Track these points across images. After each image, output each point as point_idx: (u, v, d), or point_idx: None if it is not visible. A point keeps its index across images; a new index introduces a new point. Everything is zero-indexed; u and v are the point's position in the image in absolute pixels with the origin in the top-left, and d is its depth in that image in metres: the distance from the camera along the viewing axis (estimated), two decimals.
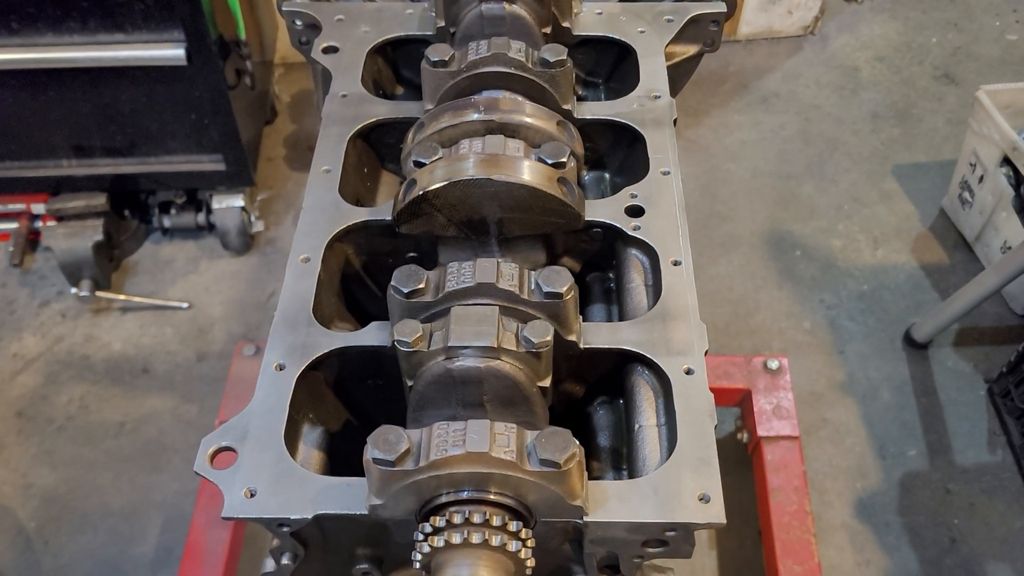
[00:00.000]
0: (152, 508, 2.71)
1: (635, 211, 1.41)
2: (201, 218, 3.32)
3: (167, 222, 3.34)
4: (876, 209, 3.48)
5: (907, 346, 3.05)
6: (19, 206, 3.26)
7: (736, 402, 2.64)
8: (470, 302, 1.18)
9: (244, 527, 2.48)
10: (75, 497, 2.75)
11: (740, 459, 2.63)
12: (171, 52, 2.76)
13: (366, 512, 1.08)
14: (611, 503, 1.10)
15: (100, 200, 3.15)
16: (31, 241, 3.34)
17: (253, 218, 3.35)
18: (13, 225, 3.27)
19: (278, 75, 3.95)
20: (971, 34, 4.17)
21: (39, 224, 3.25)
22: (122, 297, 3.21)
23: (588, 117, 1.57)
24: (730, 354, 2.80)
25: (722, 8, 1.74)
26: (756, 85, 3.96)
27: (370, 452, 1.03)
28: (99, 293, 3.15)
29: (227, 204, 3.25)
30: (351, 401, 1.36)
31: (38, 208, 3.23)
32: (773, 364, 2.60)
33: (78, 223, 3.14)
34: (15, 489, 2.77)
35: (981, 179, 3.13)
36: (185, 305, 3.20)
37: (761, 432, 2.50)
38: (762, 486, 2.45)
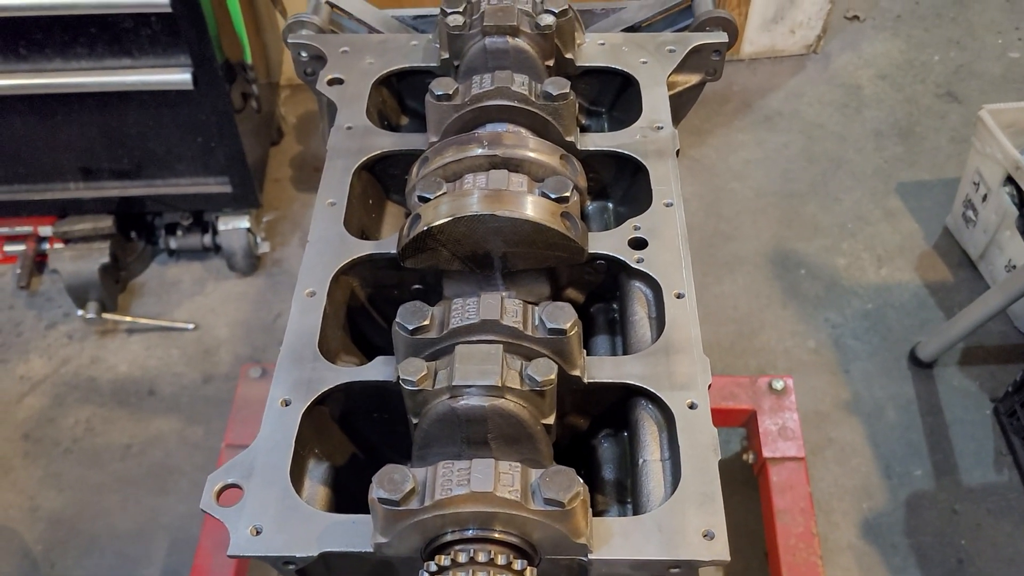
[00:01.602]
0: (159, 530, 2.72)
1: (638, 243, 1.42)
2: (207, 239, 3.34)
3: (173, 244, 3.36)
4: (880, 227, 3.48)
5: (912, 365, 3.05)
6: (26, 229, 3.28)
7: (742, 423, 2.64)
8: (474, 339, 1.19)
9: None
10: (82, 520, 2.76)
11: (746, 480, 2.63)
12: (178, 76, 2.78)
13: (371, 550, 1.09)
14: (615, 540, 1.10)
15: (107, 222, 3.17)
16: (38, 263, 3.36)
17: (259, 239, 3.37)
18: (20, 247, 3.30)
19: (284, 96, 3.98)
20: (973, 52, 4.18)
21: (46, 246, 3.27)
22: (128, 319, 3.22)
23: (591, 148, 1.58)
24: (735, 374, 2.80)
25: (724, 38, 1.75)
26: (759, 104, 3.98)
27: (375, 491, 1.04)
28: (105, 315, 3.17)
29: (233, 225, 3.27)
30: (357, 435, 1.37)
31: (45, 231, 3.26)
32: (778, 384, 2.60)
33: (85, 245, 3.16)
34: (22, 512, 2.78)
35: (984, 198, 3.13)
36: (191, 326, 3.22)
37: (767, 453, 2.50)
38: (768, 507, 2.45)
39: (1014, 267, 3.00)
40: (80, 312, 3.15)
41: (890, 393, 2.98)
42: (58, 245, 3.19)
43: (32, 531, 2.73)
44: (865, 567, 2.61)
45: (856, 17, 4.37)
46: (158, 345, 3.18)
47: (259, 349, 3.14)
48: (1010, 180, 2.99)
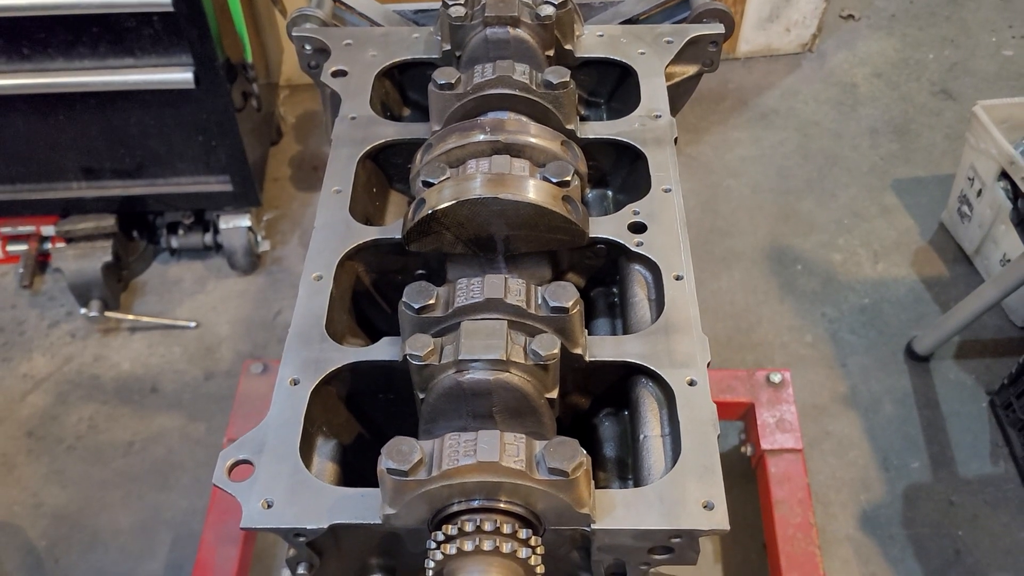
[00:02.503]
0: (161, 526, 2.74)
1: (637, 227, 1.45)
2: (208, 238, 3.36)
3: (175, 243, 3.38)
4: (876, 223, 3.51)
5: (909, 359, 3.08)
6: (29, 228, 3.30)
7: (740, 416, 2.67)
8: (479, 317, 1.21)
9: (253, 544, 2.51)
10: (85, 516, 2.77)
11: (744, 472, 2.66)
12: (179, 76, 2.80)
13: (380, 521, 1.11)
14: (618, 511, 1.13)
15: (109, 221, 3.19)
16: (41, 263, 3.38)
17: (259, 238, 3.40)
18: (23, 247, 3.32)
19: (283, 96, 4.00)
20: (967, 50, 4.22)
21: (49, 246, 3.30)
22: (131, 317, 3.24)
23: (591, 136, 1.60)
24: (733, 368, 2.82)
25: (720, 29, 1.78)
26: (755, 102, 4.01)
27: (384, 462, 1.06)
28: (108, 313, 3.18)
29: (234, 224, 3.29)
30: (363, 414, 1.40)
31: (48, 230, 3.28)
32: (776, 378, 2.63)
33: (87, 244, 3.18)
34: (25, 508, 2.79)
35: (979, 193, 3.17)
36: (193, 324, 3.24)
37: (765, 445, 2.52)
38: (766, 499, 2.47)
39: (1009, 261, 3.03)
40: (83, 310, 3.17)
41: (887, 386, 3.01)
42: (60, 244, 3.21)
43: (36, 527, 2.75)
44: (863, 558, 2.63)
45: (851, 16, 4.41)
46: (160, 343, 3.20)
47: (260, 346, 3.16)
48: (1004, 175, 3.02)
